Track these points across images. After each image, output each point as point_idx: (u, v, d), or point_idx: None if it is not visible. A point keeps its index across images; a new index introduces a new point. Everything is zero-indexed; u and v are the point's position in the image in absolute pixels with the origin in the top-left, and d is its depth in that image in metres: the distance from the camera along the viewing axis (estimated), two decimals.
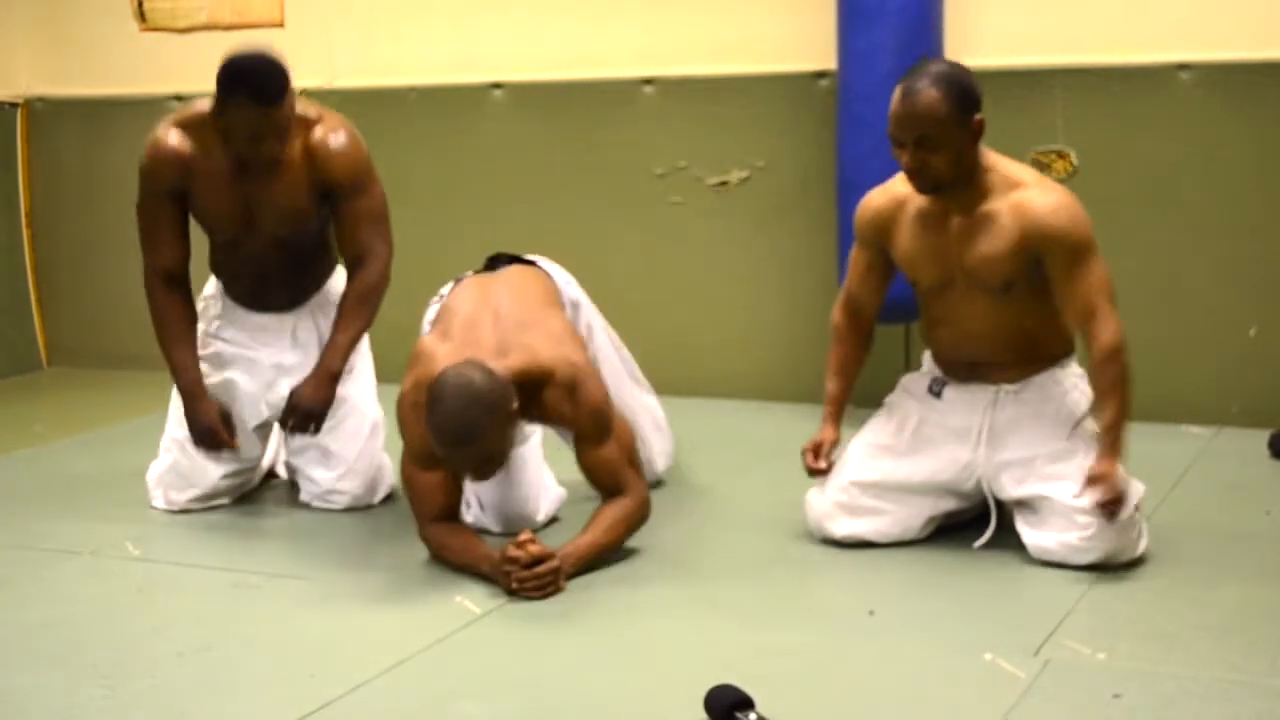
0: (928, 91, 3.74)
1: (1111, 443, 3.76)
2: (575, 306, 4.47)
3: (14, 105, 6.90)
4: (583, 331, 4.39)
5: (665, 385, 5.21)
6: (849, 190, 5.20)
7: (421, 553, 4.03)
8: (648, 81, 5.88)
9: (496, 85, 6.10)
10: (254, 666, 3.43)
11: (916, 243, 3.96)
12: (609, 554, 3.93)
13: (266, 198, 4.31)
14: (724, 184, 5.81)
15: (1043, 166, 5.32)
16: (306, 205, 4.35)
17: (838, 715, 3.06)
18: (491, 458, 3.75)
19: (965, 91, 3.79)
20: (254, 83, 4.09)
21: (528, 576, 3.72)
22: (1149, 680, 3.16)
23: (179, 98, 6.59)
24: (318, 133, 4.29)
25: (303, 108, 4.29)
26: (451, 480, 3.95)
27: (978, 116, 3.81)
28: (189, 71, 6.58)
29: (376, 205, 4.37)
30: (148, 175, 4.35)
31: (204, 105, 4.28)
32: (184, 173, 4.30)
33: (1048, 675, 3.20)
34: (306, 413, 4.36)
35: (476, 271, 4.41)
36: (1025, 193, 3.84)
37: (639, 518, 4.01)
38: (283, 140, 4.18)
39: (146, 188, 4.37)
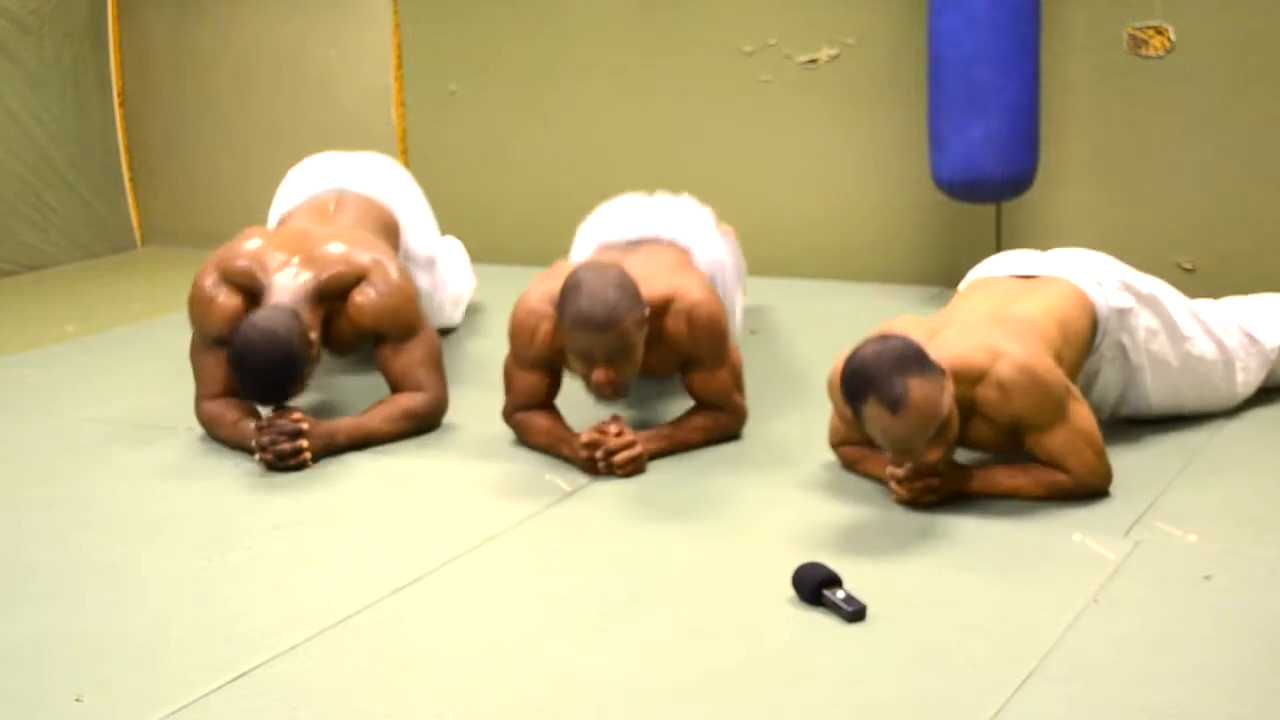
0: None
1: (991, 474, 3.52)
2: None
3: None
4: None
5: (752, 265, 5.19)
6: (940, 66, 5.12)
7: (510, 433, 4.07)
8: None
9: None
10: (347, 540, 3.49)
11: None
12: (687, 450, 3.94)
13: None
14: (813, 61, 5.74)
15: (1140, 42, 5.21)
16: (358, 345, 4.27)
17: (925, 594, 3.07)
18: (626, 350, 3.68)
19: None
20: (260, 393, 3.97)
21: (611, 461, 3.75)
22: (1240, 562, 3.15)
23: None
24: (356, 297, 4.11)
25: (346, 264, 4.12)
26: (549, 381, 3.96)
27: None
28: None
29: (419, 353, 4.15)
30: (198, 322, 4.16)
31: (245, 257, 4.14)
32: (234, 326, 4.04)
33: (1137, 556, 3.19)
34: (294, 434, 3.93)
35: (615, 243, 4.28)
36: None
37: (729, 431, 4.01)
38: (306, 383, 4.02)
39: (199, 335, 4.17)
